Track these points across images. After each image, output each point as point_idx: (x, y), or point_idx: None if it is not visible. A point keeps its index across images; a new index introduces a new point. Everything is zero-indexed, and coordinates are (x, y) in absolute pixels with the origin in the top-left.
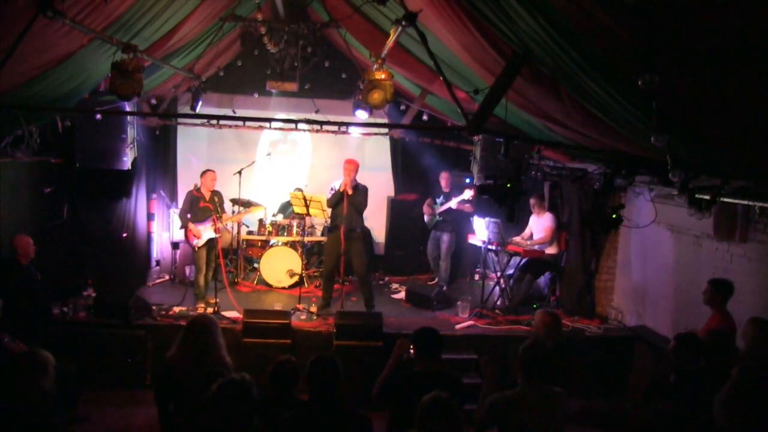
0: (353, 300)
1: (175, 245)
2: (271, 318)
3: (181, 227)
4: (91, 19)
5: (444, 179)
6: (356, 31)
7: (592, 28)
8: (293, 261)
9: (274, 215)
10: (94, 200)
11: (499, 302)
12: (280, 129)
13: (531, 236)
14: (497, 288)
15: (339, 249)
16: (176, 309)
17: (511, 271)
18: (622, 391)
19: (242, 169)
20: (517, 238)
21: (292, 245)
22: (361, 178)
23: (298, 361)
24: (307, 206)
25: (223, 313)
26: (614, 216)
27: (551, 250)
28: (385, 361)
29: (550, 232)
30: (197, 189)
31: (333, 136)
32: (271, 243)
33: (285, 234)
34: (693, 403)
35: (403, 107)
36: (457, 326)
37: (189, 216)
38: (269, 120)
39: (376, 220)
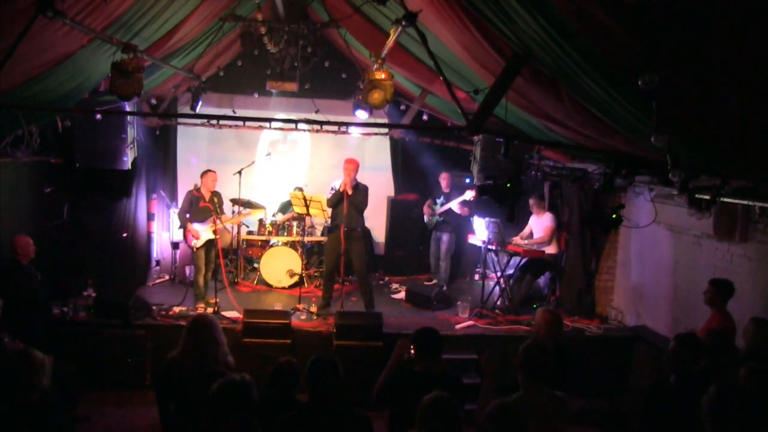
0: (353, 300)
1: (175, 245)
2: (271, 318)
3: (180, 227)
4: (91, 19)
5: (444, 180)
6: (356, 31)
7: (592, 28)
8: (293, 261)
9: (274, 215)
10: (94, 200)
11: (499, 302)
12: (280, 129)
13: (529, 236)
14: (497, 288)
15: (339, 249)
16: (176, 309)
17: (511, 271)
18: (622, 391)
19: (242, 169)
20: (516, 238)
21: (292, 245)
22: (361, 178)
23: (298, 361)
24: (307, 206)
25: (223, 313)
26: (614, 216)
27: (551, 250)
28: (385, 361)
29: (549, 232)
30: (197, 189)
31: (333, 136)
32: (271, 243)
33: (285, 234)
34: (693, 404)
35: (403, 107)
36: (457, 326)
37: (188, 216)
38: (269, 120)
39: (376, 220)
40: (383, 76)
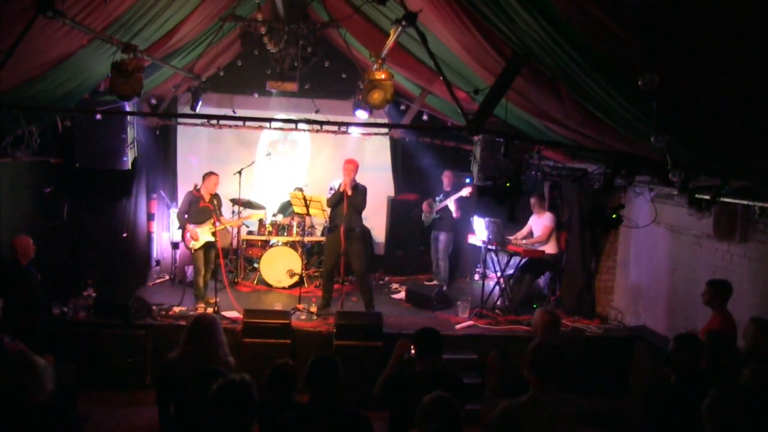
0: (353, 300)
1: (175, 245)
2: (271, 318)
3: (179, 228)
4: (91, 19)
5: (446, 177)
6: (356, 31)
7: (592, 28)
8: (293, 261)
9: (274, 215)
10: (94, 200)
11: (499, 302)
12: (280, 129)
13: (527, 236)
14: (497, 288)
15: (338, 249)
16: (176, 309)
17: (511, 271)
18: (622, 391)
19: (242, 169)
20: (511, 237)
21: (292, 245)
22: (361, 178)
23: (298, 361)
24: (307, 206)
25: (223, 313)
26: (614, 216)
27: (551, 250)
28: (385, 361)
29: (547, 231)
30: (197, 189)
31: (333, 136)
32: (271, 243)
33: (285, 234)
34: (693, 404)
35: (403, 107)
36: (457, 326)
37: (186, 216)
38: (269, 120)
39: (376, 220)
40: (383, 76)
